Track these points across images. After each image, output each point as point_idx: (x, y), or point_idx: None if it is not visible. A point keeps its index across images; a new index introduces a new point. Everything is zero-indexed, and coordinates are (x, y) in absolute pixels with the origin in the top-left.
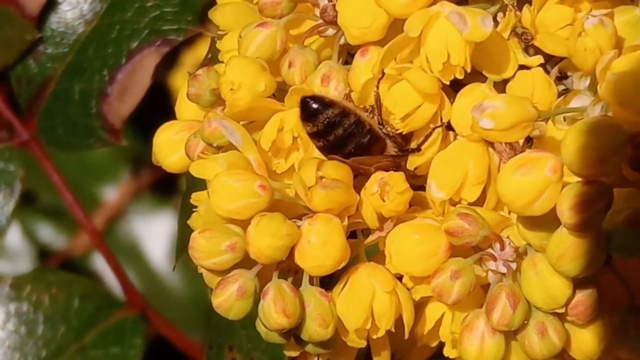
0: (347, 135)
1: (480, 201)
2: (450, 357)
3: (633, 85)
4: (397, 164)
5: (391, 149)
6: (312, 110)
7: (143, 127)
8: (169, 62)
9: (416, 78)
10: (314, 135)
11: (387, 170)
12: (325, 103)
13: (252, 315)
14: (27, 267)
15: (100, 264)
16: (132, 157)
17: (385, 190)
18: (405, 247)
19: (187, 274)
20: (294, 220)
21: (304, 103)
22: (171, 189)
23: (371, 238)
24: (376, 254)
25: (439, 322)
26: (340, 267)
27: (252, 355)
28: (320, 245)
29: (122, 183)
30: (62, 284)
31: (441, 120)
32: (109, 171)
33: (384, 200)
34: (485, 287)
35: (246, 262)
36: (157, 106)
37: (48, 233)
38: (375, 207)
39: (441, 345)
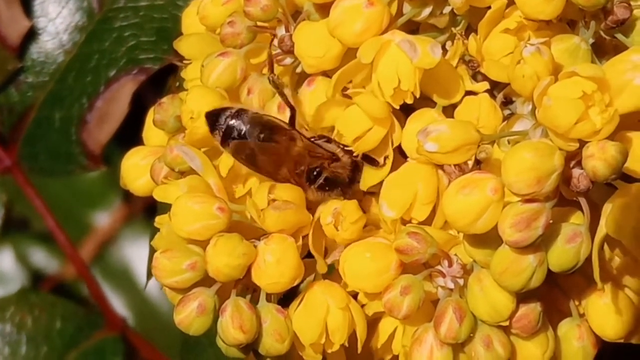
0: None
1: (430, 220)
2: None
3: (565, 111)
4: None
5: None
6: (212, 116)
7: None
8: (157, 87)
9: (366, 102)
10: (224, 142)
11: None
12: (222, 109)
13: None
14: None
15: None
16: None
17: (339, 220)
18: (358, 265)
19: None
20: (253, 240)
21: (206, 116)
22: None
23: (328, 260)
24: (332, 273)
25: (391, 337)
26: (294, 284)
27: None
28: (275, 263)
29: (113, 209)
30: (44, 305)
31: (391, 144)
32: (100, 197)
33: (337, 230)
34: (436, 302)
35: (207, 280)
36: None
37: (40, 258)
38: (329, 235)
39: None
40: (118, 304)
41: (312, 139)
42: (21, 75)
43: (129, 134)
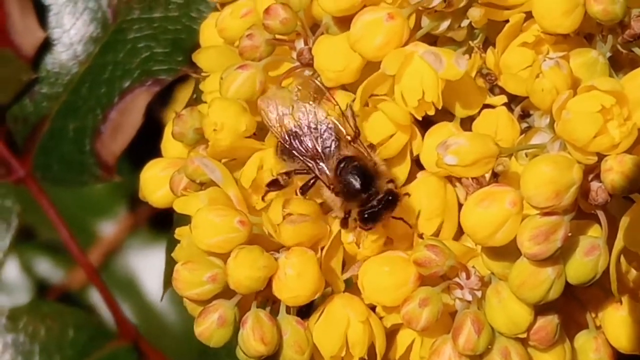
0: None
1: (456, 235)
2: None
3: (583, 124)
4: None
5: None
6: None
7: (140, 163)
8: (163, 99)
9: (390, 109)
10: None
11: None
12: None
13: (237, 345)
14: (25, 300)
15: (96, 297)
16: (129, 192)
17: (360, 238)
18: (376, 278)
19: (183, 308)
20: (272, 252)
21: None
22: (167, 224)
23: (346, 275)
24: (351, 286)
25: (409, 348)
26: (315, 297)
27: None
28: (295, 277)
29: (119, 218)
30: (56, 315)
31: (411, 154)
32: (106, 207)
33: (359, 247)
34: (454, 314)
35: (227, 292)
36: (153, 142)
37: (46, 267)
38: (350, 252)
39: None
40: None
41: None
42: (35, 86)
43: (137, 145)
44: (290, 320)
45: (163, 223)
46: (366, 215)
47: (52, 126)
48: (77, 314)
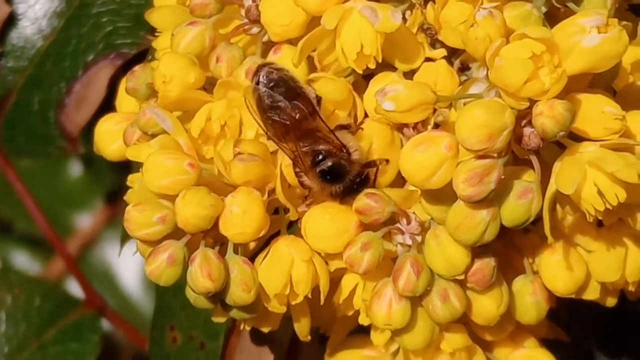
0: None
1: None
2: (365, 324)
3: (515, 70)
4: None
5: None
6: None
7: None
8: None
9: (324, 88)
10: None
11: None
12: (269, 62)
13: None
14: None
15: (73, 289)
16: (106, 185)
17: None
18: (318, 226)
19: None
20: (222, 198)
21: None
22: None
23: (298, 211)
24: (297, 231)
25: (352, 292)
26: (260, 236)
27: (191, 333)
28: (241, 214)
29: (95, 210)
30: (24, 284)
31: (356, 121)
32: (82, 199)
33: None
34: (395, 260)
35: (177, 234)
36: None
37: (23, 260)
38: (290, 181)
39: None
40: None
41: (332, 129)
42: (1, 60)
43: None
44: (237, 260)
45: None
46: (339, 193)
47: (17, 99)
48: (44, 283)
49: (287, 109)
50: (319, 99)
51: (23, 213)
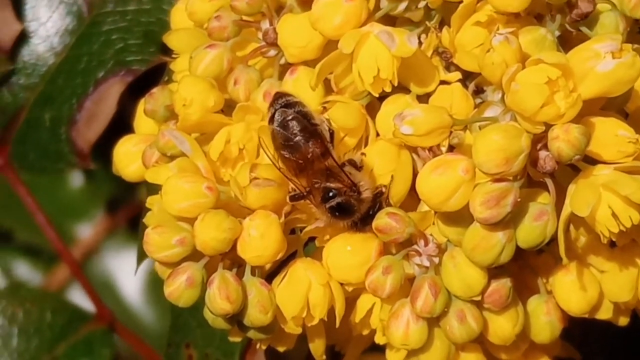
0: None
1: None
2: (381, 343)
3: (531, 95)
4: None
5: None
6: (276, 96)
7: None
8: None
9: (339, 114)
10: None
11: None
12: (286, 93)
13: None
14: None
15: (75, 298)
16: (107, 195)
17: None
18: (340, 258)
19: (160, 309)
20: (240, 220)
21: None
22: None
23: (308, 228)
24: (314, 252)
25: (369, 312)
26: (277, 258)
27: (206, 351)
28: (259, 237)
29: (96, 221)
30: (35, 299)
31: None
32: (83, 209)
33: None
34: (412, 280)
35: (195, 255)
36: None
37: (24, 270)
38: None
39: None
40: None
41: (342, 164)
42: (13, 77)
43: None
44: (254, 282)
45: (140, 226)
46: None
47: (29, 116)
48: (55, 298)
49: (301, 149)
50: (332, 133)
51: (23, 223)
